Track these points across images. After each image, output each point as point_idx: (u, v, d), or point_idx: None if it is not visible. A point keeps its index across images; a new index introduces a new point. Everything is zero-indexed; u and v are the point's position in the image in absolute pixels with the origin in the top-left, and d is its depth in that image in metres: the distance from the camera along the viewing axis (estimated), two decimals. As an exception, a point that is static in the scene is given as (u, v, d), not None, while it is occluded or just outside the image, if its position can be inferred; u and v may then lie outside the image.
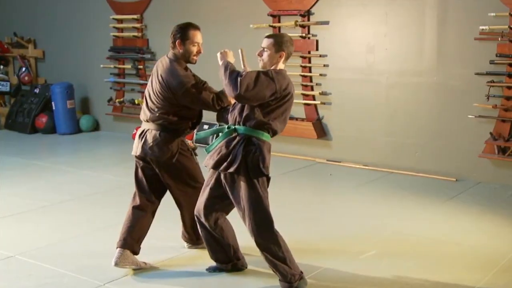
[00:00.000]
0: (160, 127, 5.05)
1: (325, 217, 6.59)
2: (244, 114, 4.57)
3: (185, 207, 5.27)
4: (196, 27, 5.08)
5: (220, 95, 5.01)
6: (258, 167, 4.50)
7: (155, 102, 5.05)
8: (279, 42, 4.64)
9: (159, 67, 5.08)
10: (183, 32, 5.02)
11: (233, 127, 4.63)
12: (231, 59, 4.68)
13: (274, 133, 4.63)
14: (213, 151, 4.70)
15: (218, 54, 4.73)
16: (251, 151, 4.51)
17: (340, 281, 4.89)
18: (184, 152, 5.14)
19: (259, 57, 4.68)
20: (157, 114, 5.04)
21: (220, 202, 4.78)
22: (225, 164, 4.54)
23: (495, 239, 5.84)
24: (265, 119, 4.54)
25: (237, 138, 4.58)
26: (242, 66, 4.86)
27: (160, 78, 5.01)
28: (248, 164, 4.50)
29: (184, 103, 4.99)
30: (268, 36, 4.71)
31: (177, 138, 5.09)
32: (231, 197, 4.64)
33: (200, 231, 4.93)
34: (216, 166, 4.61)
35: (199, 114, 5.19)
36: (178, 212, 5.39)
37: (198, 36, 5.05)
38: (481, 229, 6.16)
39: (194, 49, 5.04)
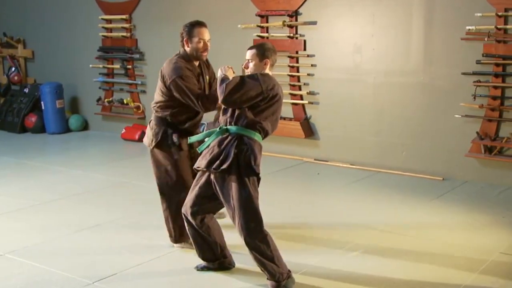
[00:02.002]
0: (155, 117, 5.32)
1: (312, 215, 6.63)
2: (236, 114, 4.64)
3: (164, 200, 5.43)
4: (202, 24, 5.21)
5: (208, 96, 5.13)
6: (250, 166, 4.55)
7: (156, 94, 5.29)
8: (262, 50, 4.72)
9: (166, 61, 5.26)
10: (189, 30, 5.18)
11: (225, 127, 4.69)
12: (230, 75, 4.73)
13: (265, 133, 4.70)
14: (205, 151, 4.75)
15: (219, 70, 4.79)
16: (243, 150, 4.57)
17: (327, 279, 4.92)
18: (164, 146, 5.29)
19: (245, 69, 4.76)
20: (156, 104, 5.30)
21: (208, 202, 4.82)
22: (217, 162, 4.59)
23: (482, 238, 5.88)
24: (256, 118, 4.61)
25: (229, 138, 4.64)
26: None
27: (161, 69, 5.21)
28: (240, 163, 4.56)
29: (173, 93, 5.11)
30: (250, 48, 4.80)
31: (165, 128, 5.26)
32: (220, 196, 4.67)
33: (187, 229, 4.97)
34: (208, 166, 4.65)
35: (195, 110, 5.25)
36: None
37: (203, 33, 5.18)
38: (468, 227, 6.19)
39: (200, 45, 5.16)
